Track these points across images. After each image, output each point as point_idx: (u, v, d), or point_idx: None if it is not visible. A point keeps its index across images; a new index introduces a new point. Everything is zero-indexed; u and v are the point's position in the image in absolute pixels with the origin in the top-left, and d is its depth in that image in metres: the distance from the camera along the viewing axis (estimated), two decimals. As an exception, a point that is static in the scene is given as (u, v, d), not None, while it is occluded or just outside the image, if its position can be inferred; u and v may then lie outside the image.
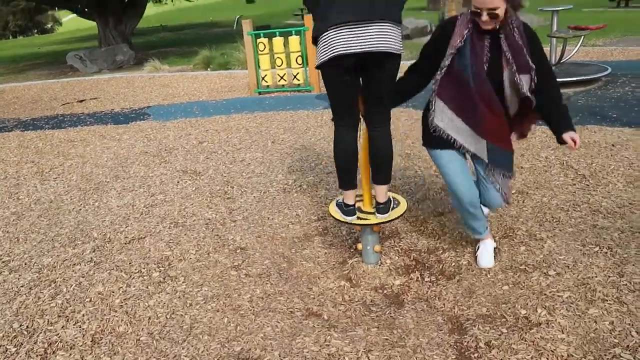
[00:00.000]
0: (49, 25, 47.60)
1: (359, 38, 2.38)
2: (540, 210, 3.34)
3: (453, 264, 2.84)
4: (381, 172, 2.72)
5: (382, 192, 2.73)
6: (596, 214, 3.22)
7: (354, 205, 2.77)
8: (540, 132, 4.84)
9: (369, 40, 2.39)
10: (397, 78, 2.68)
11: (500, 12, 2.36)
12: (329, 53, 2.41)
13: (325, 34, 2.41)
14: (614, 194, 3.47)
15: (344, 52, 2.38)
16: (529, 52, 2.44)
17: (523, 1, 2.45)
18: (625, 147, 4.26)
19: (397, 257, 2.95)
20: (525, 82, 2.46)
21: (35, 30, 46.03)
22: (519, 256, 2.83)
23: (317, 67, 2.51)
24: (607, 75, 6.61)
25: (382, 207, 2.74)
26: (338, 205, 2.84)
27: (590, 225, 3.08)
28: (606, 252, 2.77)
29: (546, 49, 8.10)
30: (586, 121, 5.07)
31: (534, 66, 2.45)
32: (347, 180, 2.74)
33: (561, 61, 6.94)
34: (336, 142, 2.71)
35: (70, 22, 51.79)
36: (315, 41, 2.52)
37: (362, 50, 2.38)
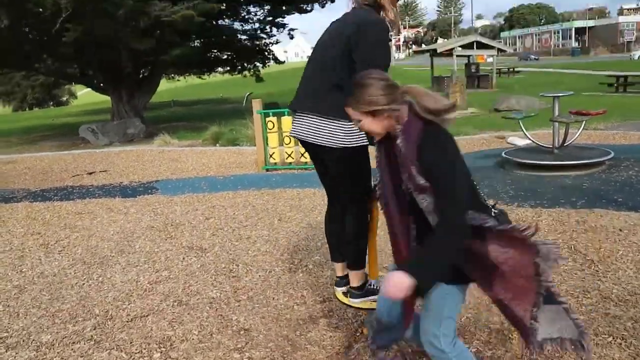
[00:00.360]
0: (65, 98, 49.22)
1: (295, 126, 2.65)
2: (550, 296, 3.28)
3: (462, 351, 2.76)
4: (346, 257, 2.75)
5: (352, 277, 2.75)
6: (607, 301, 3.16)
7: (342, 277, 2.92)
8: (546, 216, 4.85)
9: (299, 129, 2.61)
10: None
11: (365, 124, 1.97)
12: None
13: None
14: (625, 280, 3.42)
15: (294, 136, 2.69)
16: (418, 166, 1.86)
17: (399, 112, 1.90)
18: (633, 232, 4.25)
19: (403, 342, 2.87)
20: (428, 202, 1.87)
21: (51, 103, 47.56)
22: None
23: None
24: (610, 158, 6.70)
25: (352, 292, 2.75)
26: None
27: (602, 314, 3.01)
28: (620, 343, 2.70)
29: (549, 133, 8.31)
30: (592, 205, 5.08)
31: (427, 184, 1.84)
32: (331, 252, 2.94)
33: (564, 144, 7.07)
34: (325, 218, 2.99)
35: (85, 95, 53.56)
36: None
37: (298, 137, 2.64)
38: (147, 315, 3.40)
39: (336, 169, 2.61)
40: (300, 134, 2.59)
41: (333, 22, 2.70)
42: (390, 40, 2.70)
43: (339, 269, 2.87)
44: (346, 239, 2.72)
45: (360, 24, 2.48)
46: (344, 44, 2.46)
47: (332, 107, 2.46)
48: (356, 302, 2.75)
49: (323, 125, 2.49)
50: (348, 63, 2.45)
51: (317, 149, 2.57)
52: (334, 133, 2.48)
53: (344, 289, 2.85)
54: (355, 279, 2.73)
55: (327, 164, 2.62)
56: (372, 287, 2.78)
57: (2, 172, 10.10)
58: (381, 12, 2.57)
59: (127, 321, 3.34)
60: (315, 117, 2.50)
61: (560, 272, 3.60)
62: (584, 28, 67.63)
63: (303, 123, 2.57)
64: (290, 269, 4.04)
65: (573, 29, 67.76)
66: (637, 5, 79.99)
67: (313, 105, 2.51)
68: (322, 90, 2.51)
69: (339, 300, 2.86)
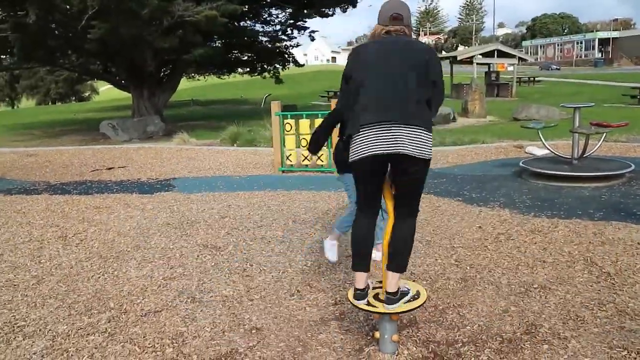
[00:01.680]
0: (87, 94, 49.94)
1: (386, 139, 2.58)
2: (564, 307, 3.26)
3: (472, 358, 2.75)
4: (395, 260, 2.77)
5: (392, 281, 2.76)
6: (623, 314, 3.13)
7: (363, 289, 2.83)
8: (563, 227, 4.81)
9: (394, 142, 2.57)
10: None
11: None
12: (360, 153, 2.64)
13: (359, 133, 2.63)
14: (641, 295, 3.38)
15: (372, 152, 2.60)
16: None
17: None
18: (651, 246, 4.19)
19: (414, 348, 2.87)
20: None
21: (74, 98, 48.28)
22: (542, 355, 2.74)
23: (349, 164, 2.75)
24: (631, 171, 6.62)
25: (389, 298, 2.76)
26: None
27: (617, 327, 2.98)
28: (635, 358, 2.67)
29: (568, 143, 8.23)
30: (610, 217, 5.03)
31: None
32: (356, 262, 2.87)
33: (584, 156, 6.99)
34: (354, 227, 2.91)
35: (107, 91, 54.28)
36: (347, 137, 2.75)
37: (387, 151, 2.58)
38: (160, 311, 3.44)
39: (418, 178, 2.74)
40: (392, 147, 2.58)
41: (385, 41, 2.76)
42: None
43: (363, 280, 2.84)
44: (405, 244, 2.79)
45: (429, 50, 2.77)
46: (424, 66, 2.67)
47: (427, 122, 2.68)
48: (394, 308, 2.75)
49: (422, 137, 2.62)
50: (429, 84, 2.70)
51: (408, 162, 2.62)
52: (427, 144, 2.64)
53: (364, 301, 2.84)
54: (395, 284, 2.76)
55: (409, 177, 2.70)
56: (401, 289, 2.83)
57: (24, 165, 10.29)
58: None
59: (141, 315, 3.39)
60: (415, 128, 2.60)
61: (575, 284, 3.57)
62: (608, 39, 66.74)
63: (399, 134, 2.57)
64: (303, 270, 4.06)
65: (597, 40, 66.92)
66: (664, 17, 78.50)
67: (414, 117, 2.61)
68: (417, 103, 2.66)
69: (372, 312, 2.84)
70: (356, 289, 2.84)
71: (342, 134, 3.45)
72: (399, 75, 2.64)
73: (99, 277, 4.08)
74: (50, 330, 3.23)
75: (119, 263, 4.38)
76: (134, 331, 3.18)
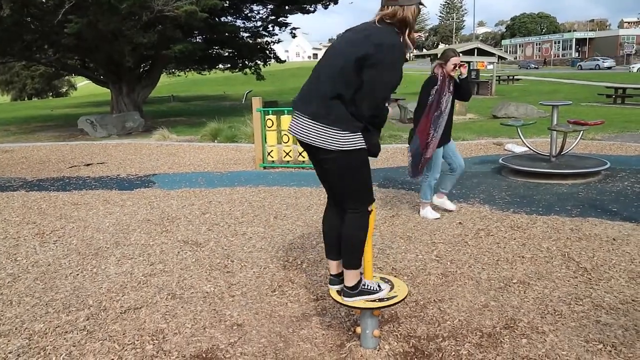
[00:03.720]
0: (64, 90, 49.08)
1: (294, 125, 2.68)
2: (542, 302, 3.30)
3: (453, 353, 2.78)
4: (343, 256, 2.80)
5: (346, 276, 2.79)
6: (599, 309, 3.19)
7: (336, 275, 2.90)
8: (541, 223, 4.87)
9: (298, 130, 2.64)
10: None
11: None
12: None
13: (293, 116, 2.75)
14: (617, 289, 3.44)
15: (292, 133, 2.70)
16: None
17: None
18: (626, 242, 4.28)
19: (396, 343, 2.89)
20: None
21: (51, 94, 47.43)
22: (521, 349, 2.77)
23: None
24: (606, 169, 6.74)
25: (345, 291, 2.80)
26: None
27: (594, 321, 3.04)
28: (610, 351, 2.72)
29: (546, 141, 8.36)
30: (587, 214, 5.12)
31: None
32: (326, 250, 2.95)
33: (561, 153, 7.10)
34: (323, 217, 3.00)
35: (85, 87, 53.46)
36: None
37: (296, 136, 2.67)
38: (140, 308, 3.40)
39: (334, 170, 2.63)
40: (299, 134, 2.61)
41: (348, 30, 2.70)
42: (406, 60, 2.73)
43: (334, 267, 2.89)
44: (344, 239, 2.74)
45: (381, 45, 2.48)
46: (357, 59, 2.47)
47: (335, 119, 2.51)
48: (349, 301, 2.77)
49: (319, 129, 2.53)
50: (355, 78, 2.49)
51: (315, 150, 2.60)
52: (332, 137, 2.51)
53: (338, 287, 2.87)
54: (350, 278, 2.75)
55: (325, 165, 2.63)
56: (365, 287, 2.79)
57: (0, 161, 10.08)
58: (405, 30, 2.61)
59: (120, 313, 3.35)
60: (314, 122, 2.53)
61: (553, 279, 3.63)
62: (585, 39, 67.87)
63: (302, 124, 2.59)
64: (284, 266, 4.05)
65: (574, 40, 67.99)
66: (638, 18, 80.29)
67: (316, 111, 2.54)
68: (324, 98, 2.53)
69: (333, 298, 2.87)
70: (330, 275, 2.93)
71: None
72: (326, 66, 2.60)
73: (77, 275, 4.02)
74: (26, 328, 3.17)
75: (97, 260, 4.32)
76: (113, 328, 3.14)
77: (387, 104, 2.64)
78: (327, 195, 2.93)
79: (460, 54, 4.79)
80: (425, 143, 4.78)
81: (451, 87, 4.89)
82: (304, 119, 2.58)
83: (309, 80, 2.68)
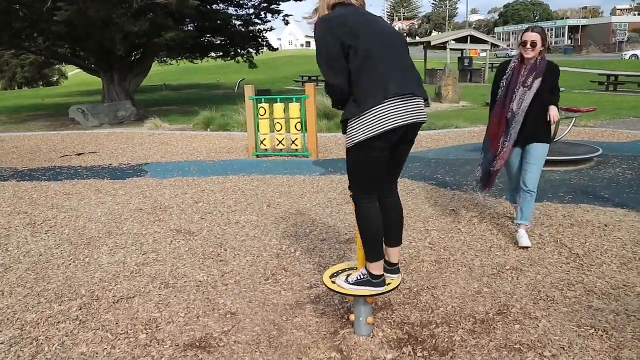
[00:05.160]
0: (55, 78, 48.59)
1: (411, 110, 2.54)
2: (535, 288, 3.32)
3: (446, 339, 2.79)
4: (400, 233, 2.89)
5: (397, 253, 2.90)
6: (591, 294, 3.21)
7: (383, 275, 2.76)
8: (534, 209, 4.88)
9: (417, 111, 2.58)
10: None
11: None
12: (381, 125, 2.45)
13: (380, 106, 2.45)
14: (608, 274, 3.46)
15: (403, 123, 2.49)
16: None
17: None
18: (618, 227, 4.30)
19: (389, 330, 2.90)
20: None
21: (41, 82, 46.95)
22: (514, 334, 2.79)
23: (361, 142, 2.49)
24: (598, 155, 6.76)
25: (398, 267, 2.90)
26: (363, 278, 2.76)
27: (585, 306, 3.06)
28: (602, 335, 2.74)
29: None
30: (579, 200, 5.14)
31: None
32: (380, 250, 2.72)
33: (554, 140, 7.11)
34: (369, 217, 2.66)
35: (75, 75, 52.97)
36: (353, 116, 2.51)
37: (414, 120, 2.55)
38: (133, 297, 3.39)
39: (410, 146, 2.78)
40: (421, 116, 2.59)
41: (367, 12, 2.69)
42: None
43: (396, 254, 2.90)
44: (400, 216, 2.88)
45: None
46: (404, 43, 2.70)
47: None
48: (346, 288, 2.76)
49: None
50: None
51: (412, 130, 2.62)
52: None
53: (396, 275, 2.89)
54: (398, 255, 2.94)
55: (410, 144, 2.73)
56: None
57: (-11, 151, 9.99)
58: None
59: (113, 302, 3.33)
60: (423, 103, 2.64)
61: (545, 265, 3.65)
62: (577, 26, 67.83)
63: (421, 107, 2.60)
64: (278, 254, 4.05)
65: (566, 27, 67.94)
66: (630, 5, 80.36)
67: (419, 86, 2.63)
68: (419, 78, 2.69)
69: (329, 287, 2.83)
70: (378, 276, 2.72)
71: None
72: (399, 50, 2.62)
73: (70, 264, 4.00)
74: (18, 319, 3.15)
75: (90, 249, 4.30)
76: (106, 318, 3.13)
77: None
78: (371, 194, 2.68)
79: (540, 29, 3.85)
80: (495, 151, 4.01)
81: (531, 81, 3.80)
82: (420, 101, 2.61)
83: (396, 64, 2.55)
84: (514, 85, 3.85)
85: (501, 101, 3.91)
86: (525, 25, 78.44)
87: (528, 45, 3.77)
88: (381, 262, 2.74)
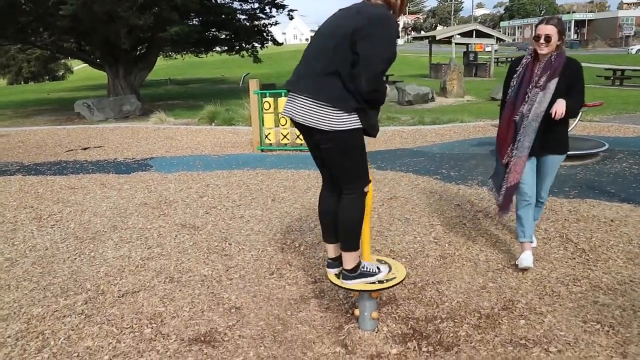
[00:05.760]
0: (61, 73, 48.68)
1: (288, 106, 2.65)
2: (540, 283, 3.31)
3: (451, 334, 2.78)
4: (340, 238, 2.78)
5: (345, 259, 2.77)
6: (597, 289, 3.19)
7: (334, 258, 2.89)
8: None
9: (292, 109, 2.61)
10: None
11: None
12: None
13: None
14: (614, 270, 3.44)
15: (286, 115, 2.67)
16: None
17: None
18: (624, 223, 4.27)
19: (394, 325, 2.89)
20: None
21: (47, 77, 47.05)
22: (519, 330, 2.78)
23: None
24: (604, 150, 6.72)
25: (344, 274, 2.78)
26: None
27: (591, 302, 3.04)
28: (608, 331, 2.73)
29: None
30: (585, 195, 5.11)
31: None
32: (323, 233, 2.93)
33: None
34: (319, 199, 2.94)
35: (81, 70, 53.06)
36: None
37: (290, 117, 2.64)
38: (138, 291, 3.40)
39: (330, 151, 2.60)
40: (292, 113, 2.58)
41: (341, 9, 2.67)
42: (398, 37, 2.66)
43: (332, 250, 2.88)
44: (341, 221, 2.72)
45: (371, 17, 2.47)
46: (349, 34, 2.45)
47: (328, 95, 2.49)
48: (349, 284, 2.76)
49: (315, 108, 2.49)
50: (350, 54, 2.46)
51: (310, 131, 2.57)
52: (327, 117, 2.48)
53: (336, 270, 2.86)
54: (348, 261, 2.74)
55: (321, 146, 2.60)
56: (365, 269, 2.78)
57: (-5, 145, 10.02)
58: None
59: (118, 296, 3.34)
60: (309, 100, 2.50)
61: (551, 260, 3.63)
62: (584, 21, 67.34)
63: (296, 104, 2.56)
64: (282, 249, 4.05)
65: (573, 21, 67.47)
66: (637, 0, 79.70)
67: (311, 89, 2.51)
68: (320, 75, 2.51)
69: (331, 281, 2.86)
70: (328, 259, 2.93)
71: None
72: (319, 45, 2.59)
73: (75, 259, 4.01)
74: (24, 313, 3.17)
75: (95, 244, 4.31)
76: (112, 312, 3.14)
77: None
78: (322, 178, 2.90)
79: (556, 21, 3.32)
80: (503, 157, 3.51)
81: (545, 81, 3.29)
82: (300, 98, 2.55)
83: (302, 60, 2.65)
84: (526, 85, 3.35)
85: (511, 102, 3.43)
86: (532, 20, 78.40)
87: (542, 40, 3.26)
88: (328, 246, 2.92)
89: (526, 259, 3.46)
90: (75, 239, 4.43)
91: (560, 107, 3.26)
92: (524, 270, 3.47)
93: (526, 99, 3.35)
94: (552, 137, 3.43)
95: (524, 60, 3.44)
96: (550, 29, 3.27)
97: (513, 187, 3.48)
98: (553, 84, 3.30)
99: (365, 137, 2.63)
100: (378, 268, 2.83)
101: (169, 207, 5.24)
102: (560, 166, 6.35)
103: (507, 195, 3.53)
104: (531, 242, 3.60)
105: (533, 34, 3.36)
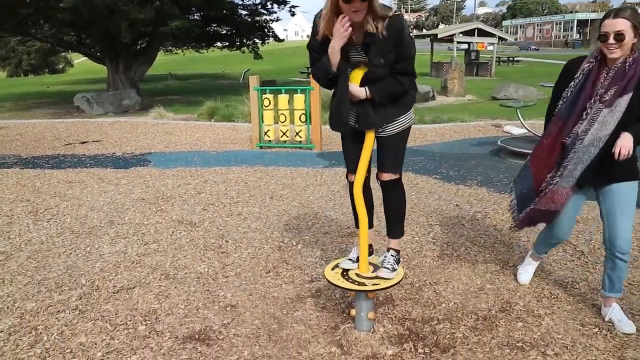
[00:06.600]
0: (61, 66, 48.55)
1: None
2: (539, 285, 3.28)
3: (448, 336, 2.76)
4: (394, 226, 3.08)
5: (395, 244, 3.00)
6: (595, 292, 3.17)
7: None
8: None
9: None
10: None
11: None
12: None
13: None
14: (613, 273, 3.41)
15: None
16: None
17: None
18: (624, 225, 4.24)
19: (390, 326, 2.87)
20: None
21: (47, 70, 46.93)
22: (516, 332, 2.76)
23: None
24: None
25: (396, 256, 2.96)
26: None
27: (590, 304, 3.02)
28: (606, 334, 2.70)
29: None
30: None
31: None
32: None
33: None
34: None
35: (81, 64, 52.94)
36: (408, 106, 2.80)
37: None
38: (133, 288, 3.37)
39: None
40: None
41: None
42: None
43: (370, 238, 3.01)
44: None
45: None
46: None
47: None
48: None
49: None
50: None
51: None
52: None
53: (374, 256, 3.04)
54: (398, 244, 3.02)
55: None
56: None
57: (-6, 138, 9.99)
58: None
59: (113, 292, 3.32)
60: None
61: (550, 262, 3.61)
62: (587, 20, 67.26)
63: None
64: (279, 247, 4.02)
65: (575, 21, 67.38)
66: (641, -1, 79.59)
67: None
68: None
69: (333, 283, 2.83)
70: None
71: None
72: None
73: (71, 254, 3.98)
74: (18, 307, 3.14)
75: (91, 239, 4.28)
76: (106, 308, 3.11)
77: None
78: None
79: (630, 12, 2.46)
80: (538, 186, 2.82)
81: (613, 95, 2.53)
82: None
83: None
84: (586, 99, 2.59)
85: (560, 119, 2.68)
86: (534, 19, 78.21)
87: (611, 39, 2.46)
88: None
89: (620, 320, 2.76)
90: (72, 234, 4.41)
91: (625, 145, 2.48)
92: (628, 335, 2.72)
93: (584, 117, 2.60)
94: (618, 163, 2.59)
95: (585, 65, 2.63)
96: (622, 24, 2.45)
97: (543, 214, 2.85)
98: (624, 101, 2.52)
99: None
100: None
101: (167, 203, 5.21)
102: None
103: (530, 218, 2.94)
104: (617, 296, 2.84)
105: (598, 31, 2.54)
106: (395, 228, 3.01)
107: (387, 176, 2.81)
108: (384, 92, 2.60)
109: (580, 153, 2.63)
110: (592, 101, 2.58)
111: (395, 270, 2.84)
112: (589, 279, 3.34)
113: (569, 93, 2.66)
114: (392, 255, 2.91)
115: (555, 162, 2.72)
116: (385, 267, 2.83)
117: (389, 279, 2.78)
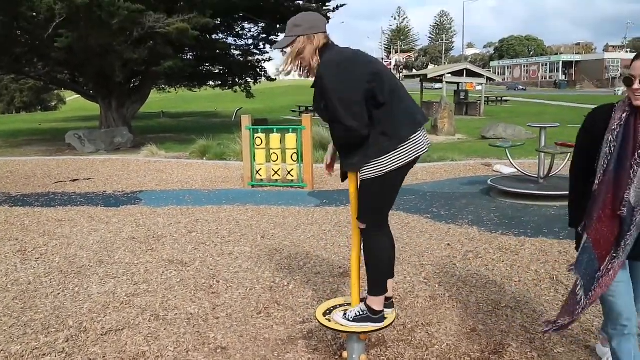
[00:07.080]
0: (53, 103, 48.78)
1: (425, 136, 2.65)
2: (531, 326, 3.27)
3: (441, 379, 2.73)
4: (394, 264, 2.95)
5: (392, 286, 2.90)
6: (588, 333, 3.16)
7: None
8: (530, 245, 4.86)
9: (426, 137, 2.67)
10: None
11: None
12: (414, 152, 2.56)
13: (417, 134, 2.56)
14: (605, 314, 3.41)
15: (426, 149, 2.61)
16: None
17: None
18: (614, 265, 4.26)
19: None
20: None
21: (39, 107, 47.11)
22: (510, 375, 2.73)
23: (389, 172, 2.53)
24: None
25: (392, 302, 2.88)
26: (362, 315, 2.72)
27: (582, 346, 3.01)
28: (599, 377, 2.68)
29: (534, 162, 8.38)
30: (575, 236, 5.10)
31: None
32: (386, 285, 2.76)
33: (549, 175, 7.14)
34: (381, 249, 2.73)
35: (74, 101, 53.20)
36: (384, 150, 2.51)
37: (428, 146, 2.66)
38: (122, 329, 3.32)
39: None
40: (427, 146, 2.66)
41: (360, 50, 2.70)
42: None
43: (391, 288, 2.86)
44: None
45: None
46: None
47: None
48: (351, 326, 2.71)
49: None
50: None
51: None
52: None
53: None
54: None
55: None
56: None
57: (-17, 175, 9.93)
58: None
59: (101, 334, 3.26)
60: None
61: (542, 303, 3.60)
62: (571, 62, 69.04)
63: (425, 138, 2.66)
64: (271, 287, 3.99)
65: (561, 62, 69.11)
66: (622, 43, 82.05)
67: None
68: None
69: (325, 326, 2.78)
70: (378, 312, 2.73)
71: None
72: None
73: (59, 294, 3.92)
74: (2, 350, 3.07)
75: (80, 279, 4.23)
76: (94, 351, 3.05)
77: None
78: (387, 219, 2.83)
79: None
80: (603, 263, 2.27)
81: None
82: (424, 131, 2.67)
83: (407, 96, 2.63)
84: (630, 156, 2.13)
85: (610, 182, 2.18)
86: (521, 60, 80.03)
87: (637, 84, 2.08)
88: (383, 298, 2.73)
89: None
90: (60, 273, 4.35)
91: None
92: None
93: (632, 179, 2.13)
94: None
95: (623, 115, 2.16)
96: None
97: (590, 304, 2.35)
98: None
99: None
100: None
101: (157, 242, 5.18)
102: (550, 206, 6.42)
103: (580, 311, 2.38)
104: None
105: (625, 73, 2.23)
106: (368, 282, 2.76)
107: (358, 223, 2.73)
108: (333, 138, 2.63)
109: (636, 223, 2.16)
110: (636, 157, 2.12)
111: (350, 321, 2.69)
112: (582, 320, 3.32)
113: (608, 150, 2.17)
114: (360, 308, 2.73)
115: (618, 236, 2.21)
116: (344, 312, 2.75)
117: (340, 324, 2.70)
